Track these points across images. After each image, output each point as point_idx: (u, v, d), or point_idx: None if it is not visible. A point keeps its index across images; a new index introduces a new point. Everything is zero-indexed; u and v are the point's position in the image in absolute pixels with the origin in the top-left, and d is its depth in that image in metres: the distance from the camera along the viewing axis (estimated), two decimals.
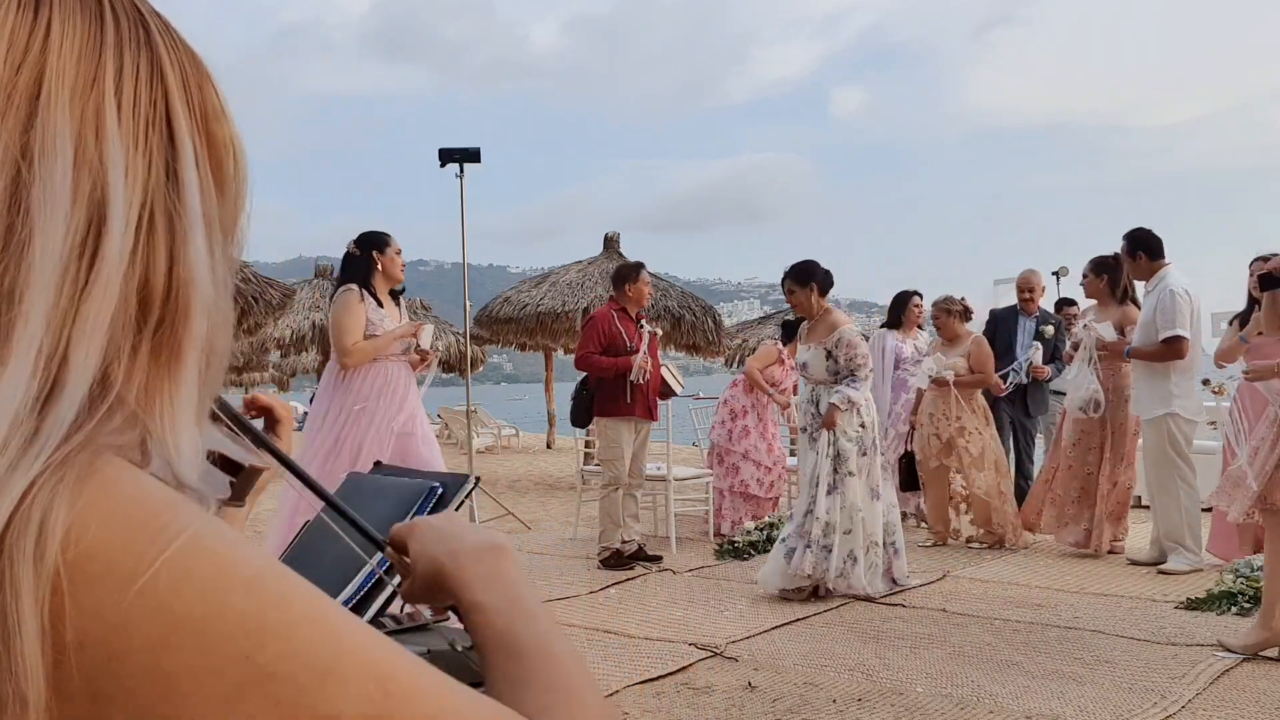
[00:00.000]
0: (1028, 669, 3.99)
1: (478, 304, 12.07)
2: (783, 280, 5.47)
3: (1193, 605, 4.84)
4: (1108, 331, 5.90)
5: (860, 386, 5.17)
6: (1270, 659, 4.06)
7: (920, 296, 7.53)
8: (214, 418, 0.68)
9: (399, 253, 4.81)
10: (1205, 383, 6.06)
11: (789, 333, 7.38)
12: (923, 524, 7.07)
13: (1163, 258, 5.76)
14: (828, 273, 5.38)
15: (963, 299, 6.95)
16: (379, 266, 4.72)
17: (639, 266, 6.41)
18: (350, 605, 1.21)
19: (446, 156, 7.61)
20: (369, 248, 4.76)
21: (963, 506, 6.71)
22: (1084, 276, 6.28)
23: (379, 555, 0.87)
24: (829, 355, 5.17)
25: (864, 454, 5.23)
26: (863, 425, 5.23)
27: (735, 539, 6.49)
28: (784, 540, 5.20)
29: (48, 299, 0.46)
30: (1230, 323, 5.66)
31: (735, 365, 12.51)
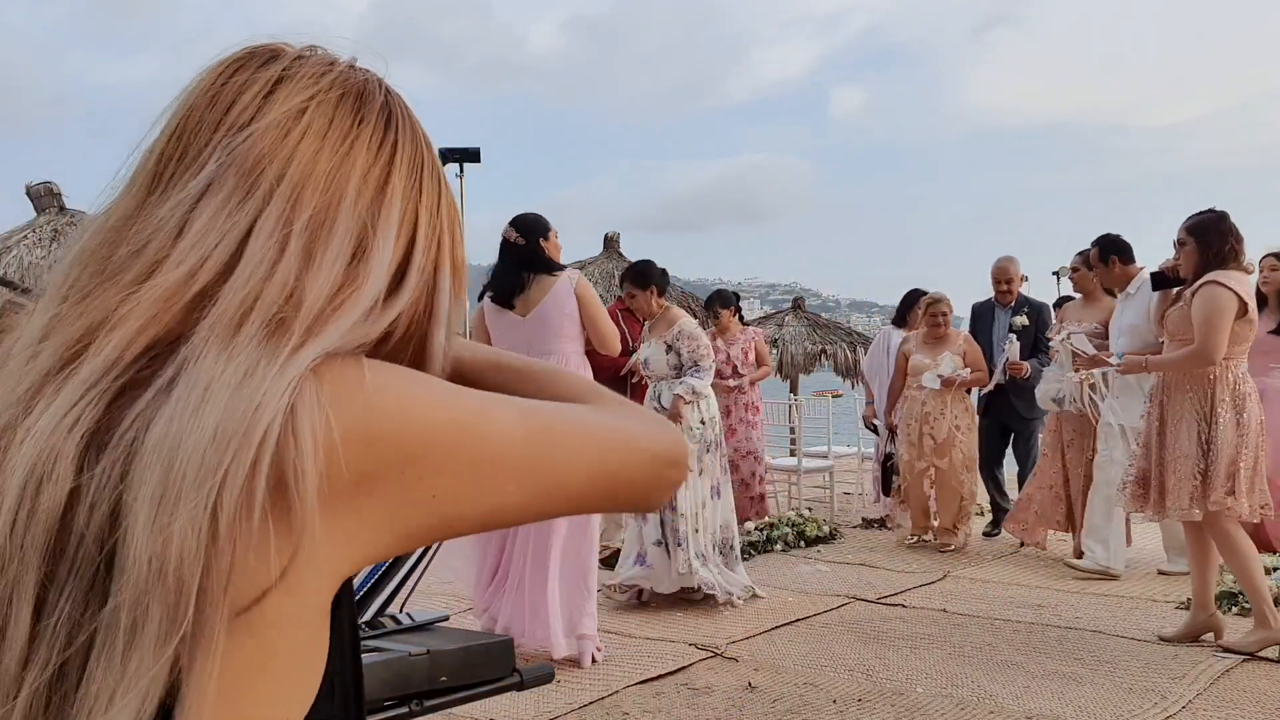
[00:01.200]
0: (1028, 669, 3.99)
1: (477, 304, 12.04)
2: (621, 283, 5.52)
3: None
4: (1082, 343, 5.75)
5: (704, 377, 5.04)
6: (1270, 659, 4.06)
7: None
8: None
9: (556, 235, 4.58)
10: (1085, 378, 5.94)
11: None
12: (898, 525, 6.89)
13: (1134, 261, 5.63)
14: (664, 272, 5.43)
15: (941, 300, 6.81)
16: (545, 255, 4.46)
17: (622, 280, 6.19)
18: (366, 589, 1.24)
19: (446, 156, 7.59)
20: (534, 234, 4.46)
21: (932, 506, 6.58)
22: (1073, 270, 6.13)
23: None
24: (669, 349, 5.07)
25: (707, 450, 5.07)
26: (703, 421, 5.07)
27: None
28: (657, 542, 4.98)
29: (353, 324, 0.64)
30: None
31: None
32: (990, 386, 6.55)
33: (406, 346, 0.71)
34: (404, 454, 0.61)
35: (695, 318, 11.82)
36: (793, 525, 6.65)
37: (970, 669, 4.01)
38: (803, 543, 6.55)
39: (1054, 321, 6.51)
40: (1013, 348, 6.45)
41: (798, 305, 12.85)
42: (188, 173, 0.65)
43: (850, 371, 11.48)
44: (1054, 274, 9.94)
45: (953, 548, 6.36)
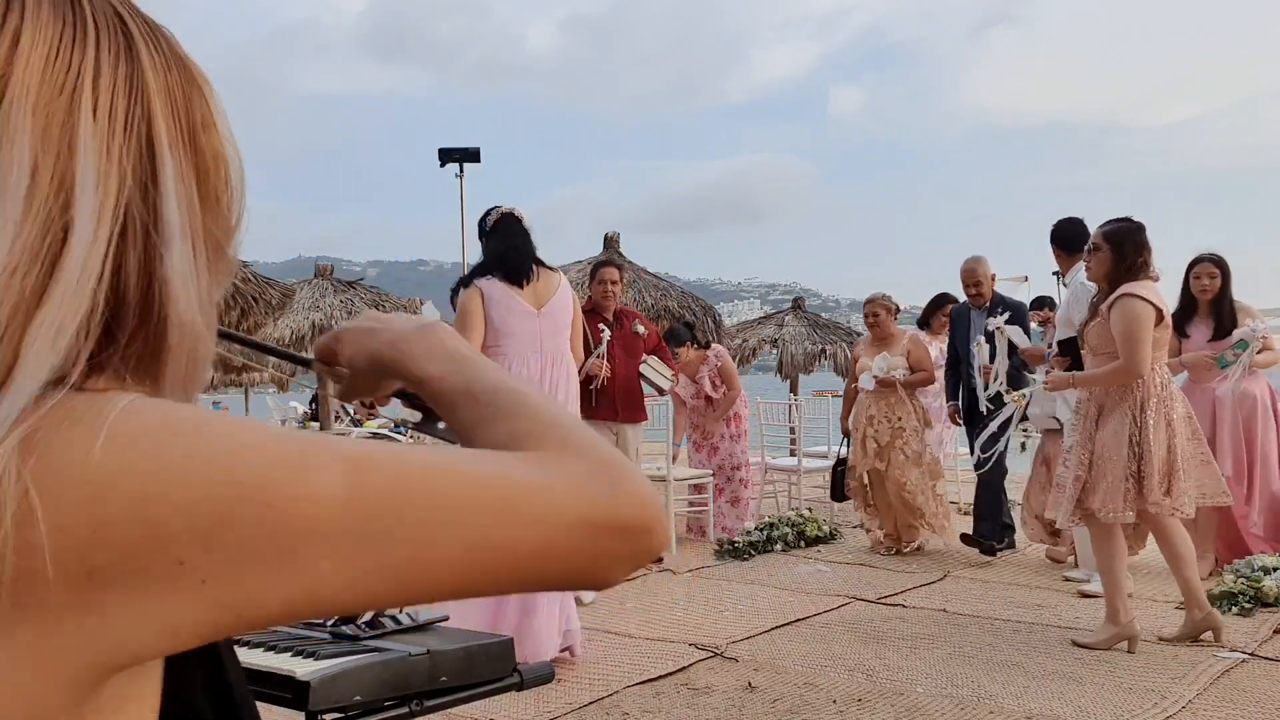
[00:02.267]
0: (1028, 669, 3.99)
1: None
2: (452, 293, 5.52)
3: None
4: (1018, 336, 5.55)
5: None
6: (1269, 658, 4.06)
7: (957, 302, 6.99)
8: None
9: None
10: (1005, 389, 5.69)
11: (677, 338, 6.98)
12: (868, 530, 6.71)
13: (1080, 251, 5.43)
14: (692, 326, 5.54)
15: (890, 296, 6.62)
16: None
17: (600, 265, 6.19)
18: None
19: (446, 156, 7.61)
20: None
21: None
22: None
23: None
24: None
25: None
26: None
27: (735, 539, 6.48)
28: None
29: (9, 310, 0.47)
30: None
31: (735, 365, 12.50)
32: (992, 392, 6.06)
33: (152, 303, 0.52)
34: (153, 538, 0.46)
35: (695, 319, 11.80)
36: (793, 525, 6.65)
37: (970, 669, 4.01)
38: (803, 543, 6.55)
39: (1029, 322, 6.37)
40: (982, 351, 6.14)
41: (798, 305, 12.86)
42: None
43: (850, 371, 11.51)
44: (1055, 274, 9.93)
45: (901, 550, 6.24)
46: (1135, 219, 4.31)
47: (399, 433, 7.35)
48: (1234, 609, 4.71)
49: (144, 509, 0.46)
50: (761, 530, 6.54)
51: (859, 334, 12.17)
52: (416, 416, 0.83)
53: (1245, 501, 5.40)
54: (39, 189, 0.48)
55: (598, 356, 5.63)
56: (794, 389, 11.29)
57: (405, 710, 1.92)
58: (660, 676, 3.93)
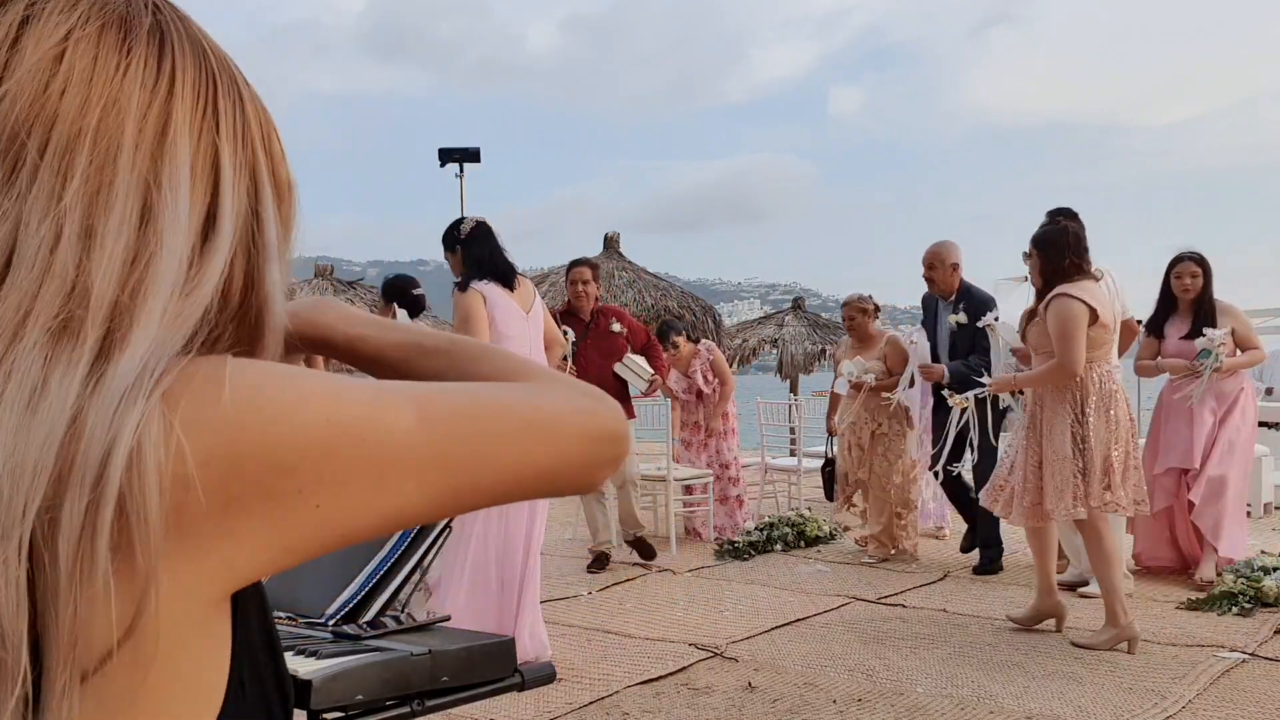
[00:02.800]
0: (1028, 669, 3.99)
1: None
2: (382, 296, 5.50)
3: (1193, 605, 4.84)
4: (1009, 334, 5.36)
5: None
6: (1269, 658, 4.06)
7: None
8: None
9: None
10: (946, 393, 5.53)
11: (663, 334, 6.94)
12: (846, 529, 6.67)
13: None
14: (419, 298, 5.41)
15: (870, 296, 6.41)
16: None
17: (572, 265, 6.07)
18: (411, 537, 1.24)
19: (446, 156, 7.62)
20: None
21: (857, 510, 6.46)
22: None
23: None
24: None
25: None
26: None
27: (735, 539, 6.47)
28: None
29: (163, 303, 0.56)
30: (1145, 331, 5.53)
31: (736, 365, 12.50)
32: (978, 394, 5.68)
33: (250, 305, 0.62)
34: (277, 469, 0.55)
35: (696, 319, 11.79)
36: (793, 525, 6.65)
37: (970, 669, 4.01)
38: (803, 543, 6.55)
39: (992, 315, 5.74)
40: (919, 348, 5.91)
41: (798, 305, 12.87)
42: None
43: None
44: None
45: (883, 559, 6.04)
46: (1062, 221, 4.38)
47: None
48: (1234, 609, 4.71)
49: (269, 447, 0.55)
50: (761, 530, 6.54)
51: None
52: None
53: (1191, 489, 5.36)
54: (196, 208, 0.59)
55: (562, 360, 5.47)
56: (794, 389, 11.29)
57: (406, 710, 1.92)
58: (660, 676, 3.93)
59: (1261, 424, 8.73)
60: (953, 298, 5.76)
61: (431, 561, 2.21)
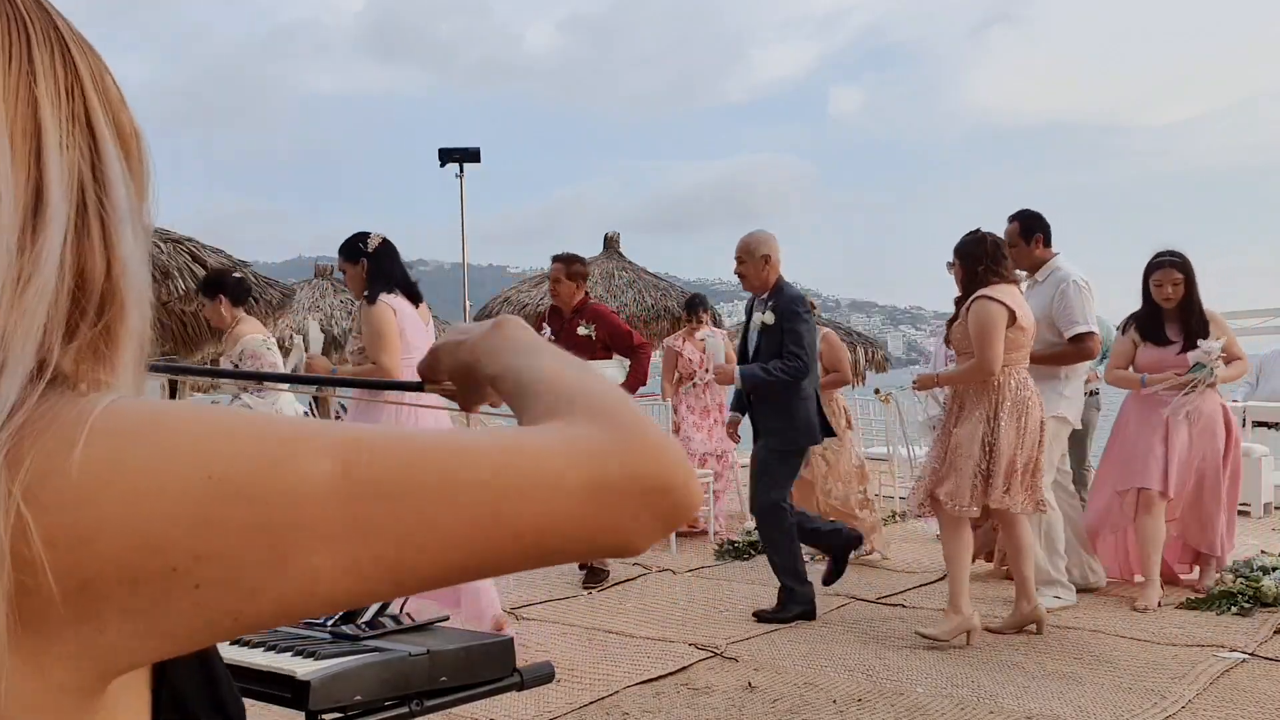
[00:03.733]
0: (1028, 669, 3.99)
1: (477, 304, 12.06)
2: (198, 294, 5.40)
3: (1193, 605, 4.84)
4: (718, 351, 5.19)
5: (266, 395, 4.94)
6: (1269, 658, 4.06)
7: None
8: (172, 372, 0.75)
9: None
10: (876, 391, 5.59)
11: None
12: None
13: (1052, 245, 5.17)
14: (240, 281, 5.26)
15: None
16: None
17: (555, 259, 5.84)
18: None
19: (446, 156, 7.61)
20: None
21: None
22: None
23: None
24: (236, 367, 4.97)
25: None
26: None
27: (735, 539, 6.47)
28: None
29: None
30: (1122, 329, 5.22)
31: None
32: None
33: (112, 280, 0.53)
34: (141, 546, 0.45)
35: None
36: None
37: (970, 669, 4.01)
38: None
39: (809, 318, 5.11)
40: (710, 346, 5.52)
41: None
42: None
43: (850, 371, 11.49)
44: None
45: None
46: (981, 231, 4.56)
47: None
48: (1234, 609, 4.71)
49: (128, 517, 0.45)
50: None
51: (859, 334, 12.17)
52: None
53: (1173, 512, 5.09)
54: (18, 178, 0.49)
55: None
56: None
57: (405, 710, 1.92)
58: (660, 676, 3.93)
59: (1261, 424, 8.75)
60: (765, 295, 4.94)
61: None
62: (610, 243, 12.28)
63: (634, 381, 5.72)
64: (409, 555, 0.50)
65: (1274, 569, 4.97)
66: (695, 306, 7.72)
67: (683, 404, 7.14)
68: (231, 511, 0.47)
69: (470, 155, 7.60)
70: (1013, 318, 4.32)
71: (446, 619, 2.30)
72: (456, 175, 7.65)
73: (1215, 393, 5.08)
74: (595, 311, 5.77)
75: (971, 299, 4.39)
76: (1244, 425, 8.83)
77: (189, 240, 7.75)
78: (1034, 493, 4.37)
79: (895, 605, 5.07)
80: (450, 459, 0.51)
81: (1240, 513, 7.46)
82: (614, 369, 5.78)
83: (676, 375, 7.16)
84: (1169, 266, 4.96)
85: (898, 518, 7.33)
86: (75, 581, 0.45)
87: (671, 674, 3.97)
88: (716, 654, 4.22)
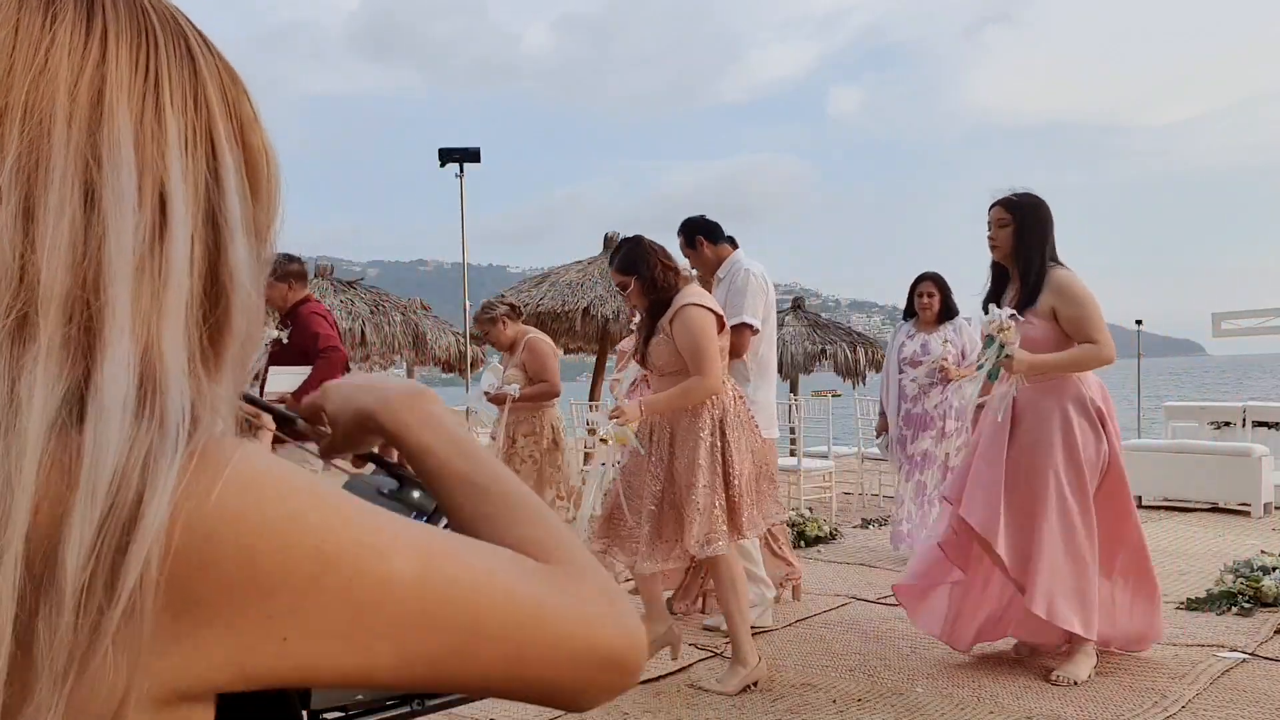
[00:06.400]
0: (1028, 669, 3.99)
1: (477, 304, 12.03)
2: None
3: (1193, 605, 4.84)
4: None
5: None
6: (1269, 658, 4.06)
7: (933, 283, 5.94)
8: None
9: None
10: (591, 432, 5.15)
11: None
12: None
13: (724, 241, 4.76)
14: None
15: (503, 296, 5.82)
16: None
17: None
18: None
19: (446, 156, 7.61)
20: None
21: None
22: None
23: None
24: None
25: None
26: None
27: None
28: None
29: (128, 289, 0.51)
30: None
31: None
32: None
33: (220, 289, 0.56)
34: (254, 587, 0.50)
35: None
36: (793, 525, 6.65)
37: (970, 669, 4.01)
38: (803, 543, 6.55)
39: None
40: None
41: (798, 305, 12.87)
42: None
43: (850, 371, 11.49)
44: None
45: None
46: (635, 236, 3.98)
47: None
48: (1234, 609, 4.71)
49: (248, 558, 0.50)
50: None
51: (859, 334, 12.18)
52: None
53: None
54: (144, 182, 0.53)
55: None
56: (794, 389, 11.29)
57: (406, 709, 1.91)
58: (660, 676, 3.93)
59: (1261, 424, 8.75)
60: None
61: None
62: (610, 243, 12.28)
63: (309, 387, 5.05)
64: (449, 661, 0.56)
65: (1274, 569, 4.97)
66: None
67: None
68: (330, 586, 0.52)
69: (470, 155, 7.60)
70: (721, 323, 3.79)
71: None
72: (456, 175, 7.65)
73: (1072, 384, 3.80)
74: (310, 314, 5.18)
75: (676, 309, 3.75)
76: (1244, 425, 8.84)
77: None
78: (774, 505, 3.88)
79: (895, 605, 5.07)
80: (504, 595, 0.57)
81: (1240, 513, 7.48)
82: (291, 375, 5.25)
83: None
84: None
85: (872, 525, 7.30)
86: (190, 598, 0.49)
87: (671, 674, 3.97)
88: (716, 654, 4.22)
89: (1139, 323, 11.11)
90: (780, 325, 12.72)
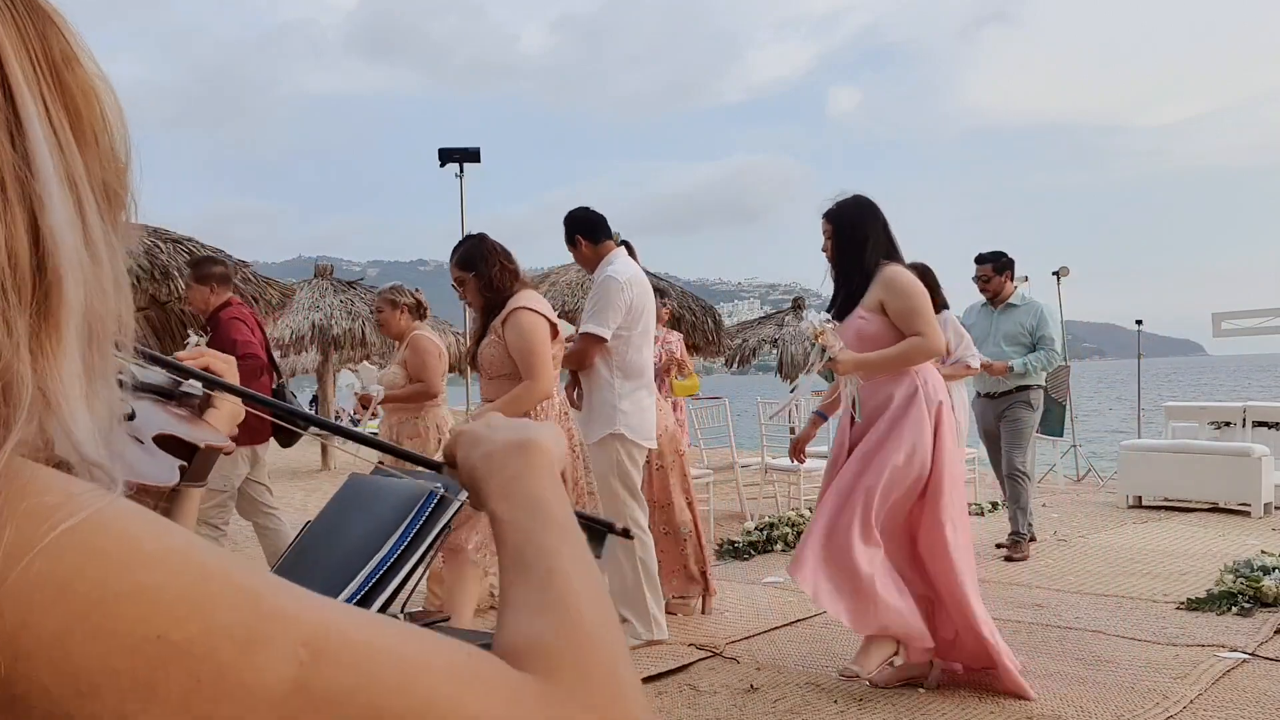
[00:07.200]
0: (1028, 669, 3.99)
1: None
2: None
3: (1193, 605, 4.84)
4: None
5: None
6: (1269, 658, 4.06)
7: (918, 274, 6.27)
8: (160, 370, 0.73)
9: None
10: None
11: None
12: None
13: (609, 239, 4.47)
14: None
15: (417, 291, 5.43)
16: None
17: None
18: (411, 536, 1.20)
19: (446, 156, 7.61)
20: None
21: None
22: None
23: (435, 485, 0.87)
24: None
25: None
26: None
27: (736, 539, 6.47)
28: None
29: None
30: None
31: (736, 365, 12.50)
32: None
33: (32, 263, 0.46)
34: (71, 684, 0.40)
35: (695, 319, 11.76)
36: (793, 525, 6.65)
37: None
38: None
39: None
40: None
41: (798, 305, 12.87)
42: None
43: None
44: (1054, 274, 9.96)
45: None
46: (476, 234, 3.99)
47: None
48: (1234, 609, 4.71)
49: (66, 652, 0.40)
50: (761, 530, 6.55)
51: None
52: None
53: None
54: None
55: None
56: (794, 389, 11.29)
57: None
58: (660, 676, 3.93)
59: (1261, 424, 8.75)
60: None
61: (433, 559, 2.21)
62: None
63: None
64: None
65: (1274, 569, 4.97)
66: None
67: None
68: (174, 680, 0.41)
69: (470, 155, 7.60)
70: (554, 330, 3.79)
71: (448, 619, 2.31)
72: (456, 175, 7.65)
73: (909, 377, 3.74)
74: (231, 317, 5.02)
75: (507, 311, 3.76)
76: (1244, 425, 8.84)
77: (189, 240, 7.75)
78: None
79: None
80: (420, 705, 0.46)
81: (1240, 513, 7.48)
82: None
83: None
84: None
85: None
86: (5, 694, 0.40)
87: (671, 674, 3.97)
88: (716, 654, 4.22)
89: (1139, 323, 11.10)
90: (780, 325, 12.71)
